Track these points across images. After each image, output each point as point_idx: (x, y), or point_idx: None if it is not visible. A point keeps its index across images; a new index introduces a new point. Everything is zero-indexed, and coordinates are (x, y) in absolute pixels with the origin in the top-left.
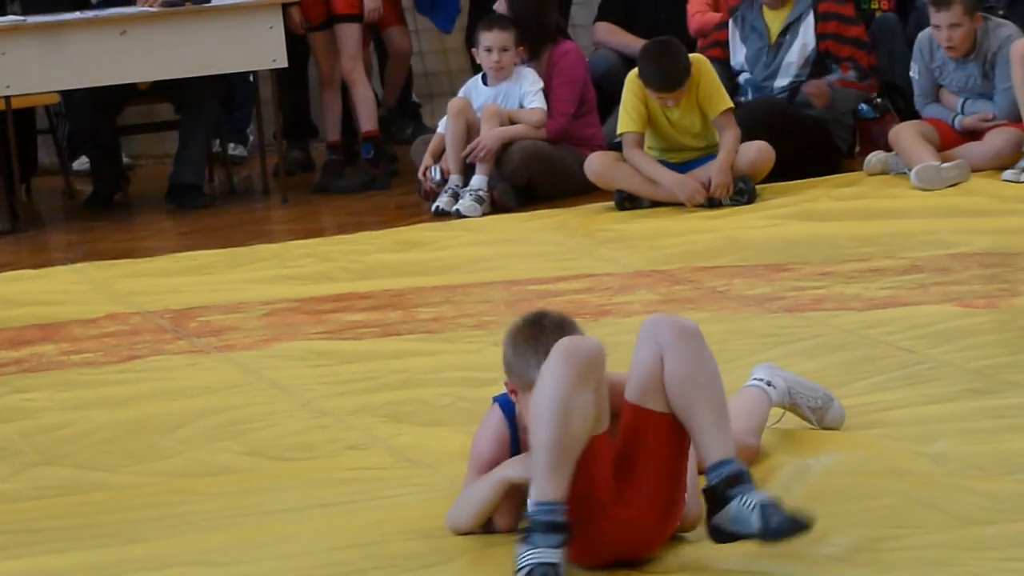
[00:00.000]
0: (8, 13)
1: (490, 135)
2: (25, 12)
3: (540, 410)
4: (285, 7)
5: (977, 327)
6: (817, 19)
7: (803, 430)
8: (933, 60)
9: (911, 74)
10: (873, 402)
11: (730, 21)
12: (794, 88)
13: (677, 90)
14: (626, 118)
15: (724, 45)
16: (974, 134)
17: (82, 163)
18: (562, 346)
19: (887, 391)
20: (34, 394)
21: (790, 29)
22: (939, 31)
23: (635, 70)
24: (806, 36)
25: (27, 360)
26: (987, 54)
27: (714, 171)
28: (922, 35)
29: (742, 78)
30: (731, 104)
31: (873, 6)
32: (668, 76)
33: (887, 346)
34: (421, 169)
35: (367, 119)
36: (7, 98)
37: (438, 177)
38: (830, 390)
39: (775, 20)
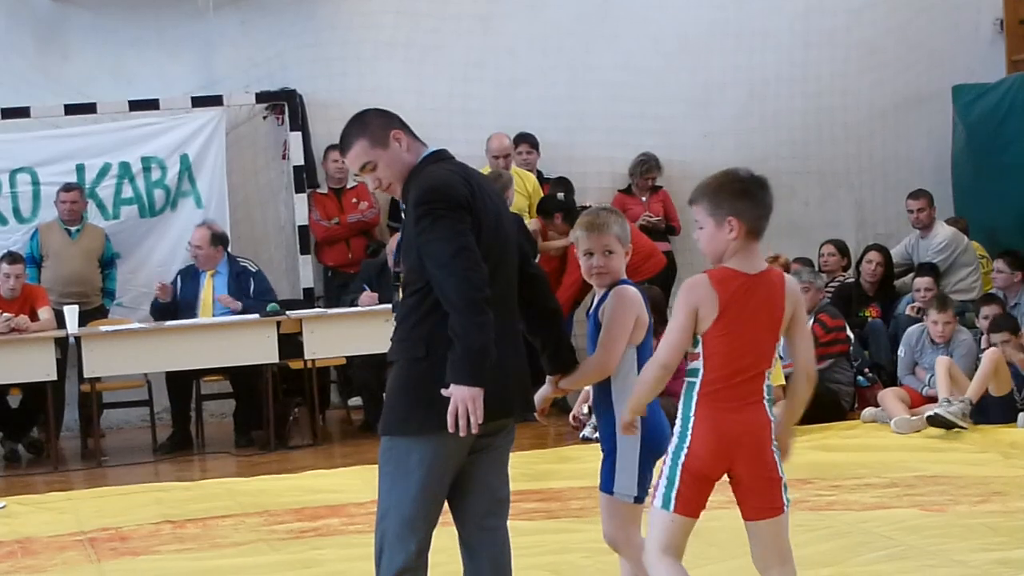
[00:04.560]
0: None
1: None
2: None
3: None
4: None
5: (934, 524)
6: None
7: None
8: (916, 346)
9: (899, 353)
10: (866, 571)
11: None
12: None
13: None
14: None
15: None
16: (934, 399)
17: (355, 401)
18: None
19: (875, 564)
20: (325, 551)
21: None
22: (936, 326)
23: None
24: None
25: (320, 528)
26: (955, 348)
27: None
28: (911, 329)
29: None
30: (783, 382)
31: (866, 314)
32: None
33: (876, 535)
34: (572, 414)
35: None
36: (313, 360)
37: (585, 411)
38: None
39: None
